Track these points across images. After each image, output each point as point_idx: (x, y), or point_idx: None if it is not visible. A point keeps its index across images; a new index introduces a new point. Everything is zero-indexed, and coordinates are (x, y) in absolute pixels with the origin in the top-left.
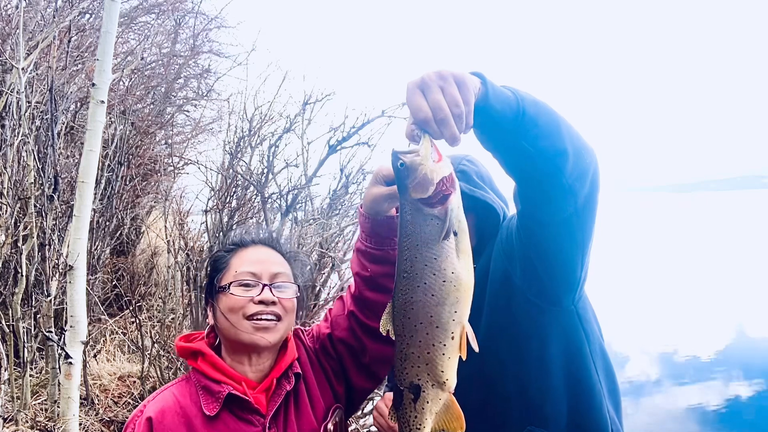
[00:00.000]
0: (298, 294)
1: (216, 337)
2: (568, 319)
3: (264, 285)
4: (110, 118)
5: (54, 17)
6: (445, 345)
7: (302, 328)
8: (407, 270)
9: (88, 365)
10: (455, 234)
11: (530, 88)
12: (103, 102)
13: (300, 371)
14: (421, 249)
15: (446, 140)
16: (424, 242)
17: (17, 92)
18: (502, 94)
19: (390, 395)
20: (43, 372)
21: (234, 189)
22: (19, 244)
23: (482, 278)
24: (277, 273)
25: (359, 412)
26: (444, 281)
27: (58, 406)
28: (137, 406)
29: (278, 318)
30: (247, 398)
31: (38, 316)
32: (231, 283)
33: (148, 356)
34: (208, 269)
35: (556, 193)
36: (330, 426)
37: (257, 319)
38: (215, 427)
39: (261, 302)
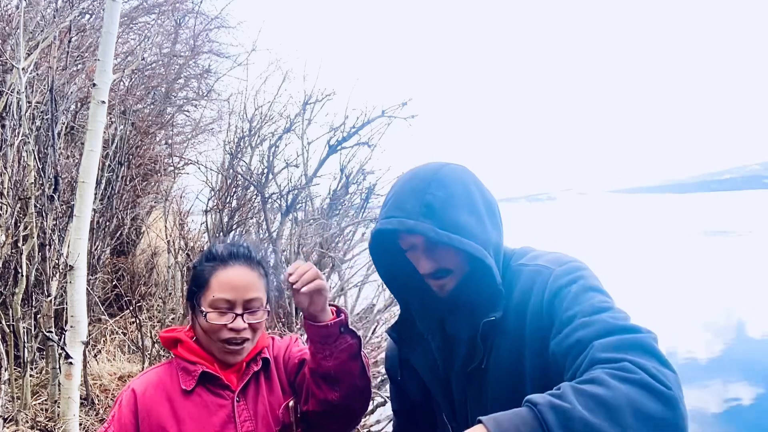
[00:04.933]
0: (269, 311)
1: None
2: None
3: (236, 315)
4: (110, 119)
5: (54, 17)
6: None
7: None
8: None
9: (88, 365)
10: None
11: (530, 87)
12: (103, 102)
13: (269, 357)
14: None
15: None
16: None
17: (17, 92)
18: None
19: None
20: (43, 372)
21: (234, 189)
22: (20, 244)
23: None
24: (250, 299)
25: None
26: None
27: (58, 406)
28: None
29: (247, 339)
30: (218, 375)
31: (38, 316)
32: (208, 310)
33: (148, 356)
34: (190, 280)
35: None
36: (291, 403)
37: (228, 344)
38: (191, 399)
39: (232, 329)
